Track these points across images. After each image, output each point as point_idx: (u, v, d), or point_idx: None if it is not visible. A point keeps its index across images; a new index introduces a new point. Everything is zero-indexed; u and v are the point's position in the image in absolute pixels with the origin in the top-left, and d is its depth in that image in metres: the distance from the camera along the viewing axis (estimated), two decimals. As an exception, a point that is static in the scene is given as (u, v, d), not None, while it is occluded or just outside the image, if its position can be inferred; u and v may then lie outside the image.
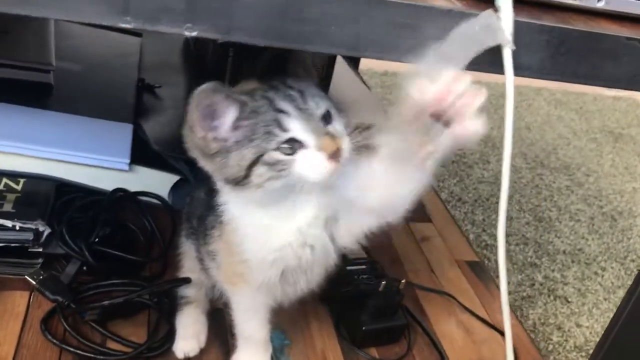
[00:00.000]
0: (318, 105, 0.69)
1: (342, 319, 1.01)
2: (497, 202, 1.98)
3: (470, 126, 0.59)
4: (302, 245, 0.76)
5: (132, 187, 1.08)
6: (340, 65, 1.70)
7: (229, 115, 0.67)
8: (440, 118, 0.59)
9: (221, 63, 1.33)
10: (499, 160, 2.14)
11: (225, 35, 0.52)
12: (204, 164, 0.71)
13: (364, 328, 0.97)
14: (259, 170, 0.67)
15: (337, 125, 0.70)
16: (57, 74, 1.16)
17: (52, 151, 1.03)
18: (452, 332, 1.06)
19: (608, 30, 0.60)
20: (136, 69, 1.30)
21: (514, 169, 2.11)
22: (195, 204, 0.93)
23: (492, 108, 2.74)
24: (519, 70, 0.59)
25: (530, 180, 2.06)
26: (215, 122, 0.67)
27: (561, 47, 0.59)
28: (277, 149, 0.66)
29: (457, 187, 1.92)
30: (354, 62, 1.98)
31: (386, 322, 0.99)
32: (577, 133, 2.49)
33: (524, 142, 2.31)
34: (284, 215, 0.74)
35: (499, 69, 0.59)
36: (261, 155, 0.67)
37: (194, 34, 0.51)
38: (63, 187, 1.05)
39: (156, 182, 1.10)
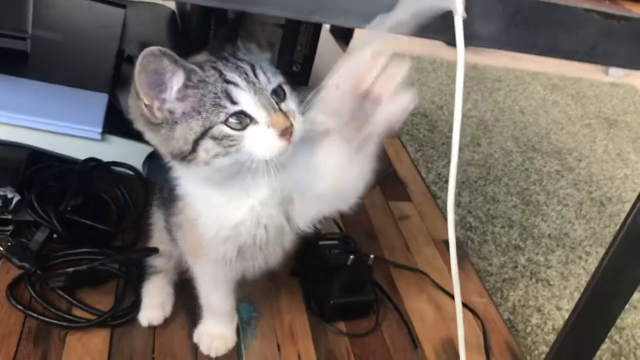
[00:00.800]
0: (269, 80, 0.68)
1: (311, 293, 1.01)
2: (485, 185, 1.96)
3: (398, 101, 0.58)
4: (255, 224, 0.74)
5: (106, 157, 1.08)
6: (329, 43, 1.69)
7: (175, 82, 0.64)
8: (369, 97, 0.58)
9: (204, 36, 1.32)
10: (490, 144, 2.13)
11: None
12: (149, 136, 0.69)
13: (331, 302, 0.97)
14: (206, 145, 0.65)
15: (290, 103, 0.69)
16: (35, 42, 1.14)
17: (24, 118, 1.03)
18: (422, 308, 1.06)
19: (566, 2, 0.59)
20: (117, 40, 1.29)
21: (505, 152, 2.09)
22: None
23: (487, 92, 2.73)
24: (472, 40, 0.58)
25: (521, 163, 2.05)
26: (162, 89, 0.64)
27: (517, 17, 0.58)
28: (226, 122, 0.64)
29: (445, 169, 1.91)
30: (345, 42, 1.96)
31: (354, 296, 0.99)
32: (571, 118, 2.47)
33: (516, 126, 2.29)
34: (237, 194, 0.72)
35: (450, 37, 0.58)
36: (209, 129, 0.64)
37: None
38: (35, 155, 1.05)
39: (130, 152, 1.09)
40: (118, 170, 1.10)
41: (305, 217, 0.77)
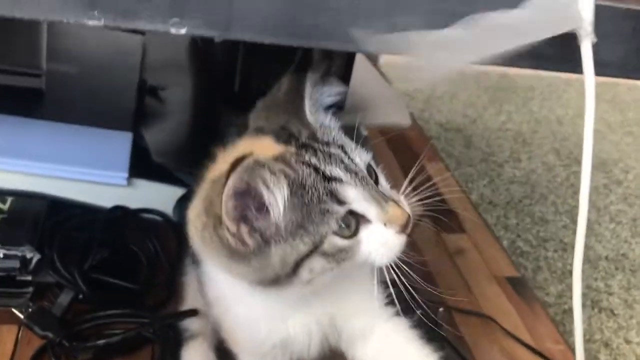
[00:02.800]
0: (362, 160, 0.54)
1: None
2: (531, 204, 1.84)
3: None
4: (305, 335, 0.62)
5: (133, 204, 0.98)
6: (360, 61, 1.59)
7: (279, 199, 0.49)
8: None
9: (231, 62, 1.21)
10: (530, 158, 2.01)
11: (223, 33, 0.40)
12: (227, 267, 0.53)
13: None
14: (314, 264, 0.51)
15: (382, 181, 0.56)
16: (49, 78, 1.05)
17: (42, 166, 0.93)
18: (495, 360, 0.94)
19: None
20: (137, 71, 1.19)
21: (547, 167, 1.97)
22: None
23: (521, 102, 2.61)
24: (598, 68, 0.47)
25: (565, 179, 1.93)
26: (253, 208, 0.50)
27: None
28: (334, 232, 0.51)
29: (487, 189, 1.79)
30: (373, 57, 1.86)
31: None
32: (611, 126, 2.35)
33: (556, 138, 2.17)
34: (292, 306, 0.59)
35: (571, 66, 0.46)
36: (319, 244, 0.50)
37: (183, 31, 0.39)
38: (55, 206, 0.94)
39: (159, 197, 0.99)
40: (147, 218, 0.99)
41: None
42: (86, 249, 0.90)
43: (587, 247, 1.63)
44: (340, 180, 0.51)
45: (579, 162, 2.26)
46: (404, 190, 0.57)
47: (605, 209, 1.81)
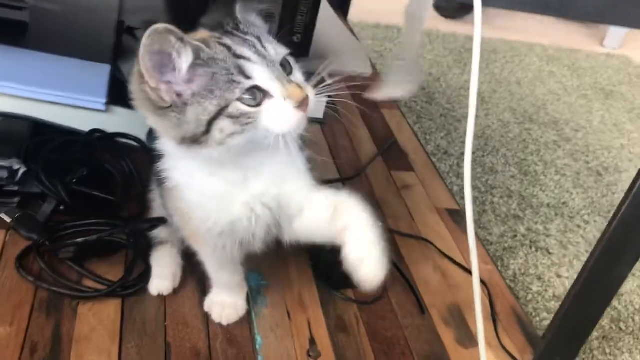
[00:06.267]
0: (277, 52, 0.66)
1: (319, 261, 1.02)
2: (483, 156, 1.97)
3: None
4: (250, 221, 0.74)
5: (110, 128, 1.07)
6: (327, 12, 1.68)
7: (184, 61, 0.62)
8: None
9: (203, 5, 1.30)
10: (487, 115, 2.13)
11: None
12: (155, 122, 0.66)
13: (340, 269, 0.97)
14: (222, 124, 0.62)
15: (297, 74, 0.68)
16: (33, 12, 1.13)
17: (27, 89, 1.02)
18: (428, 276, 1.07)
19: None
20: (116, 10, 1.27)
21: (502, 123, 2.10)
22: None
23: (484, 63, 2.72)
24: (488, 1, 0.58)
25: (518, 134, 2.05)
26: (169, 69, 0.62)
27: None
28: (240, 99, 0.62)
29: (443, 141, 1.91)
30: (343, 12, 1.95)
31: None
32: (567, 89, 2.47)
33: (513, 97, 2.29)
34: (234, 183, 0.71)
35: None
36: (224, 108, 0.62)
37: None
38: (39, 127, 1.04)
39: (134, 123, 1.08)
40: (123, 142, 1.09)
41: (292, 236, 0.78)
42: (67, 165, 0.99)
43: (532, 195, 1.77)
44: (248, 59, 0.63)
45: (533, 120, 2.41)
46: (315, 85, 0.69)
47: (552, 162, 1.95)
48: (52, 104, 1.03)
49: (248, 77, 0.63)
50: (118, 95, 1.08)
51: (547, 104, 2.30)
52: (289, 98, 0.64)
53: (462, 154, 1.85)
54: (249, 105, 0.63)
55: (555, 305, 1.42)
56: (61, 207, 0.96)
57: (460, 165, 1.81)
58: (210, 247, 0.79)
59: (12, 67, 1.04)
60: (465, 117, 2.05)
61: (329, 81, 0.66)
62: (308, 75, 0.70)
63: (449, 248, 1.14)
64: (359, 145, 1.41)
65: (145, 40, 0.59)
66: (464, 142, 1.97)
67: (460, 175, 1.77)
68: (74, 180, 0.98)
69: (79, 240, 0.89)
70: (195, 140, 0.64)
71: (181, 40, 0.61)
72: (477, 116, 2.10)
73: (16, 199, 0.96)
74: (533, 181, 1.83)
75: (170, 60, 0.61)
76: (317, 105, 0.67)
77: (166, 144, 0.72)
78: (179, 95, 0.63)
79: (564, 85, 2.50)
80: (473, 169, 1.81)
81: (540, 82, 2.48)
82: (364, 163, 1.33)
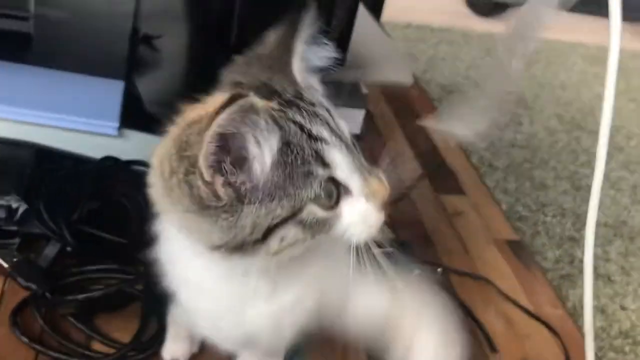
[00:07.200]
0: (346, 128, 0.50)
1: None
2: (531, 169, 1.82)
3: None
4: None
5: (124, 155, 0.95)
6: (361, 13, 1.54)
7: (267, 151, 0.45)
8: None
9: (229, 10, 1.17)
10: (532, 123, 1.98)
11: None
12: (190, 221, 0.47)
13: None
14: (288, 233, 0.46)
15: (362, 159, 0.51)
16: (38, 23, 1.01)
17: (30, 113, 0.91)
18: (491, 324, 0.93)
19: None
20: (130, 17, 1.14)
21: (549, 131, 1.94)
22: None
23: (525, 65, 2.55)
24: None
25: (567, 144, 1.90)
26: (232, 159, 0.44)
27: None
28: (317, 199, 0.46)
29: (487, 152, 1.76)
30: (375, 12, 1.80)
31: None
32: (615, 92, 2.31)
33: (558, 103, 2.13)
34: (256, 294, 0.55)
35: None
36: (298, 211, 0.46)
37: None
38: (43, 155, 0.92)
39: (151, 148, 0.95)
40: (138, 170, 0.96)
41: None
42: (74, 200, 0.87)
43: (586, 213, 1.61)
44: (326, 142, 0.47)
45: (581, 127, 2.23)
46: (383, 165, 0.53)
47: (605, 175, 1.78)
48: (58, 129, 0.91)
49: (326, 166, 0.47)
50: (133, 115, 0.95)
51: (595, 109, 2.14)
52: (371, 197, 0.49)
53: (508, 166, 1.72)
54: (324, 208, 0.47)
55: (622, 342, 1.27)
56: (68, 249, 0.84)
57: (507, 179, 1.66)
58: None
59: (12, 87, 0.93)
60: (508, 124, 1.91)
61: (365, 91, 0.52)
62: (343, 86, 0.55)
63: (512, 288, 1.00)
64: (400, 163, 1.27)
65: (222, 119, 0.41)
66: (508, 153, 1.83)
67: (507, 191, 1.62)
68: (82, 218, 0.86)
69: (80, 296, 0.76)
70: (239, 248, 0.47)
71: (269, 123, 0.44)
72: (520, 123, 1.95)
73: (15, 241, 0.84)
74: (587, 197, 1.67)
75: (237, 149, 0.44)
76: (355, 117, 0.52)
77: (170, 229, 0.54)
78: (235, 189, 0.46)
79: (611, 88, 2.33)
80: (520, 183, 1.66)
81: (586, 85, 2.32)
82: (406, 183, 1.19)
